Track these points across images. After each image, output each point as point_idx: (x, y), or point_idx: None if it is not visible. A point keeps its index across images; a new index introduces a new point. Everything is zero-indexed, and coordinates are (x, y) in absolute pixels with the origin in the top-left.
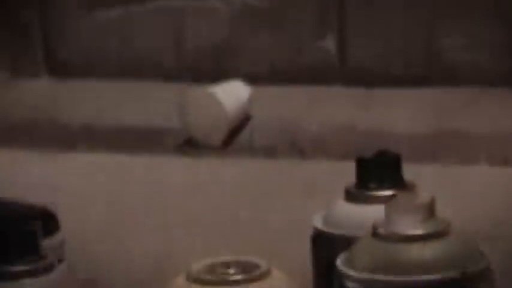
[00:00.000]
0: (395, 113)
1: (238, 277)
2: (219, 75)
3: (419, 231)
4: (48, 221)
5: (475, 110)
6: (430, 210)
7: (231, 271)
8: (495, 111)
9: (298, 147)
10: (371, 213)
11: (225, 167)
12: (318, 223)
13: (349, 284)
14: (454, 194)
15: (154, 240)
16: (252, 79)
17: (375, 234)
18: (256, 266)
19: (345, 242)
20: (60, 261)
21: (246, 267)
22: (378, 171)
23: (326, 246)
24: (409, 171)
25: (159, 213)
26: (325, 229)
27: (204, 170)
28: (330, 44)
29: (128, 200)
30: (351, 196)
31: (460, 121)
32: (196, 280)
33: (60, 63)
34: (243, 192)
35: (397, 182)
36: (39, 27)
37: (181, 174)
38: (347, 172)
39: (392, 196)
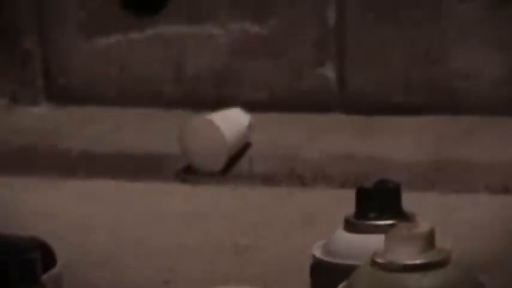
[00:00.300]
0: (395, 141)
1: None
2: (219, 102)
3: (418, 261)
4: (45, 255)
5: (475, 139)
6: (429, 240)
7: None
8: (495, 140)
9: (297, 174)
10: (370, 242)
11: (224, 193)
12: (317, 252)
13: None
14: (454, 222)
15: (153, 267)
16: (251, 106)
17: (374, 263)
18: None
19: (344, 271)
20: None
21: None
22: (378, 200)
23: (325, 275)
24: (408, 200)
25: (159, 240)
26: (325, 258)
27: (203, 196)
28: (329, 71)
29: (128, 226)
30: (350, 225)
31: (460, 149)
32: None
33: (59, 90)
34: (242, 219)
35: (397, 211)
36: (39, 54)
37: (180, 201)
38: (346, 200)
39: (392, 226)
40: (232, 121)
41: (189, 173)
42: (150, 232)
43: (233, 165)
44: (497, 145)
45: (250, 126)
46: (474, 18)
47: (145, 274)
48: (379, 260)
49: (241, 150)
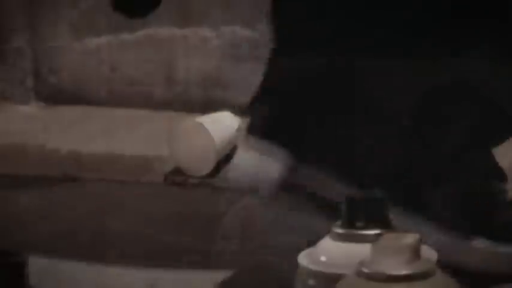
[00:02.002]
0: None
1: None
2: (209, 105)
3: (404, 272)
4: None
5: None
6: (415, 251)
7: None
8: None
9: None
10: (357, 252)
11: (213, 196)
12: (303, 260)
13: None
14: None
15: (139, 269)
16: (241, 109)
17: (360, 273)
18: None
19: (330, 280)
20: None
21: None
22: (365, 210)
23: (311, 283)
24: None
25: (146, 242)
26: (310, 266)
27: (192, 199)
28: None
29: (116, 227)
30: (337, 234)
31: None
32: None
33: (49, 89)
34: (232, 223)
35: (384, 221)
36: (29, 53)
37: (168, 203)
38: None
39: (379, 236)
40: (221, 124)
41: (177, 175)
42: (137, 233)
43: (222, 168)
44: None
45: (239, 130)
46: None
47: (130, 275)
48: (365, 270)
49: (230, 153)
